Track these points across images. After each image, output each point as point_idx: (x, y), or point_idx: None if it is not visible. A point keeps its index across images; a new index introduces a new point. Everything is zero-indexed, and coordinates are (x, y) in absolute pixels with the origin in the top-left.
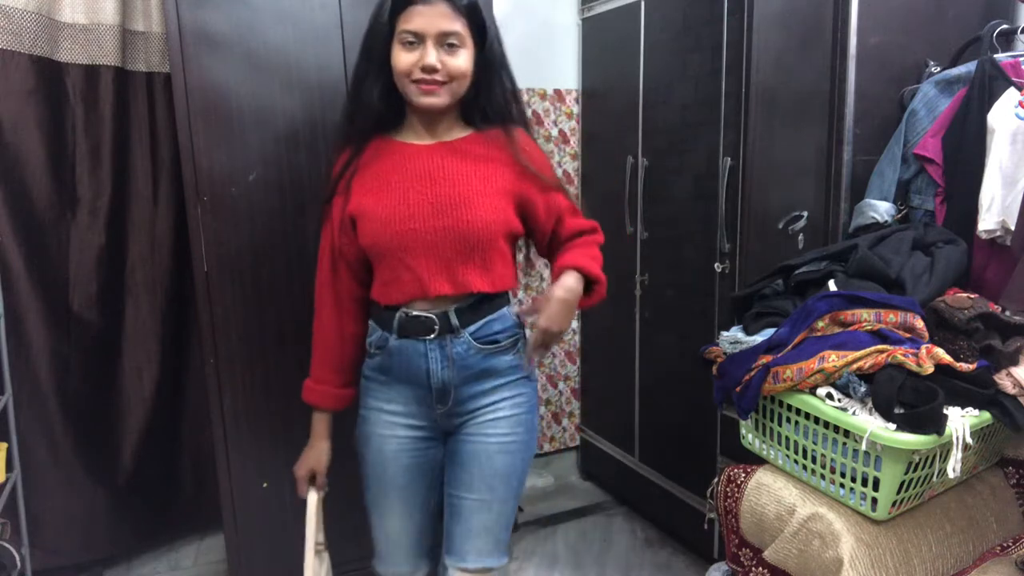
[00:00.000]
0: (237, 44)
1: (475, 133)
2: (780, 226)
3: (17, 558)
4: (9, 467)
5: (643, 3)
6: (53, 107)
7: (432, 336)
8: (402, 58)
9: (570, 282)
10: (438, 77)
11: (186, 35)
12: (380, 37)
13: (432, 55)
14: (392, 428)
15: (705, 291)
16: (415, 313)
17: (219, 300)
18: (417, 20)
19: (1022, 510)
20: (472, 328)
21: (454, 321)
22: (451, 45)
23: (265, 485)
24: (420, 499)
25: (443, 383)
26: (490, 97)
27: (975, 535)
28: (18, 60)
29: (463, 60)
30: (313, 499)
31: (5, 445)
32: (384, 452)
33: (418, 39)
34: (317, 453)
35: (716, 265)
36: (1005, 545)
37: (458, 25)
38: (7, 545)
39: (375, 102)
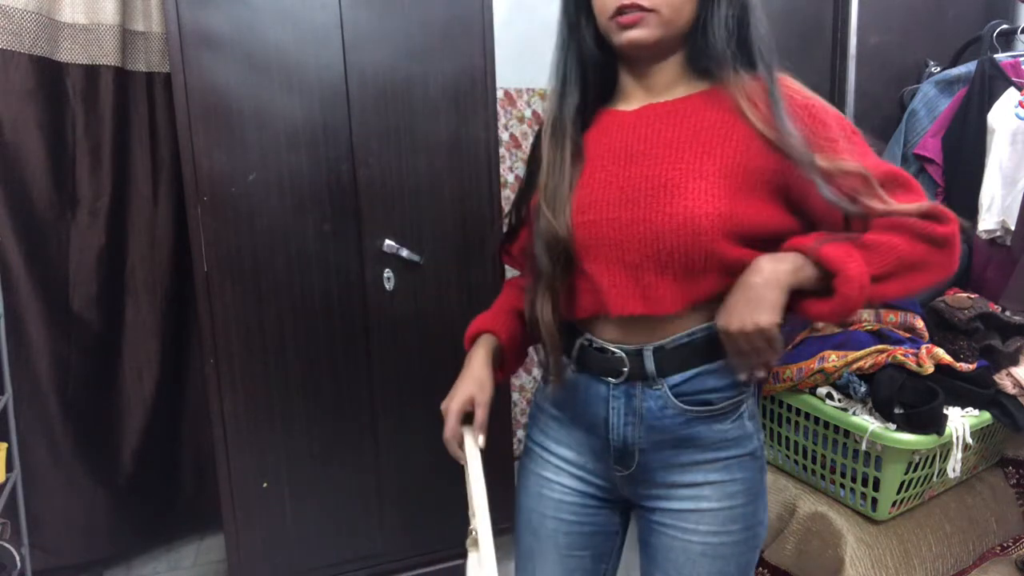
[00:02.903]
0: (237, 44)
1: (710, 89)
2: None
3: (17, 558)
4: (9, 467)
5: None
6: (53, 107)
7: (619, 380)
8: None
9: (767, 265)
10: (642, 0)
11: (186, 35)
12: None
13: None
14: (558, 473)
15: None
16: (600, 344)
17: (219, 300)
18: None
19: (1022, 510)
20: (675, 379)
21: (649, 366)
22: None
23: (265, 485)
24: (584, 571)
25: (624, 442)
26: (712, 31)
27: (975, 535)
28: (18, 60)
29: None
30: (473, 447)
31: (5, 445)
32: (544, 499)
33: None
34: (478, 379)
35: None
36: (1005, 545)
37: None
38: (7, 545)
39: (594, 48)
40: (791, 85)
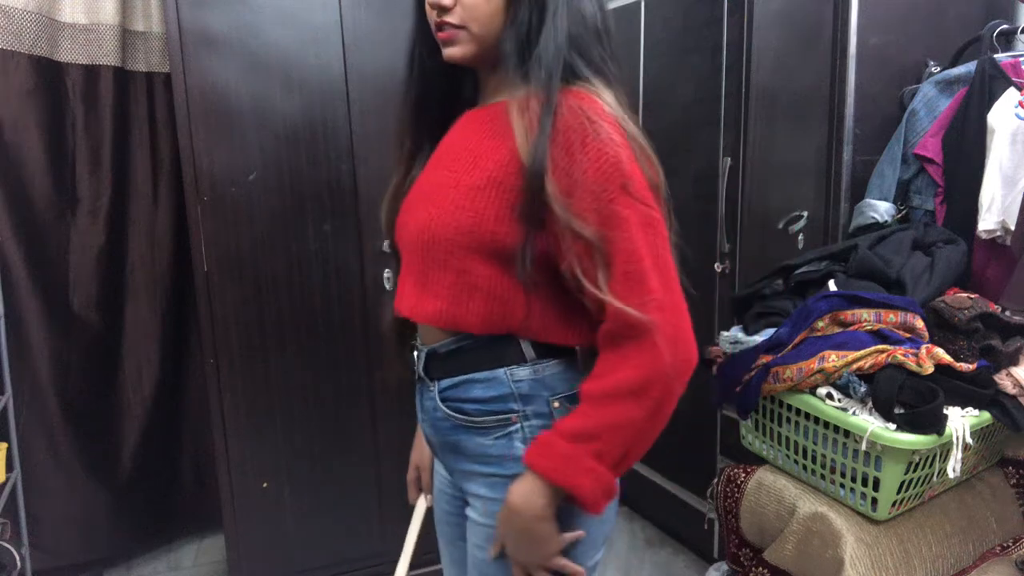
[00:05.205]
0: (237, 44)
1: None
2: (780, 226)
3: (17, 558)
4: (9, 467)
5: (643, 3)
6: (53, 107)
7: (416, 378)
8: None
9: (518, 496)
10: (450, 19)
11: (186, 35)
12: None
13: None
14: (436, 463)
15: (705, 291)
16: (415, 343)
17: (219, 300)
18: None
19: (1022, 510)
20: (444, 383)
21: (421, 367)
22: None
23: (265, 485)
24: (464, 562)
25: (428, 439)
26: (505, 40)
27: (975, 535)
28: (18, 60)
29: None
30: (421, 508)
31: (5, 445)
32: (436, 490)
33: None
34: (417, 446)
35: (716, 265)
36: (1005, 545)
37: None
38: (7, 545)
39: (427, 60)
40: (586, 109)
